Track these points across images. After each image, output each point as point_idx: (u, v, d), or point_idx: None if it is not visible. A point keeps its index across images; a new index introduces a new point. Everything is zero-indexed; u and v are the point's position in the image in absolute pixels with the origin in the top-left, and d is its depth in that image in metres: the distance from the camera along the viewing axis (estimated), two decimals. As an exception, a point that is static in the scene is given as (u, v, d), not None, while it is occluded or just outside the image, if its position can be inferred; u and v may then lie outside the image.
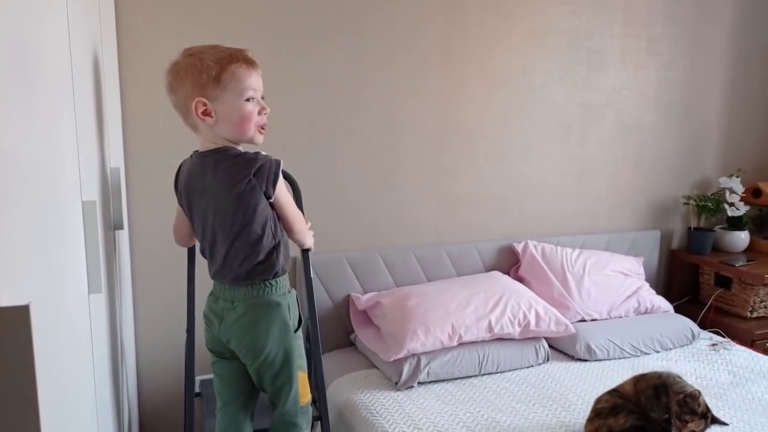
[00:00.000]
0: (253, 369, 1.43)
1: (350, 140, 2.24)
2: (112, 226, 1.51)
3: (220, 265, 1.40)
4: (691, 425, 1.46)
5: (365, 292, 2.27)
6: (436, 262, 2.38)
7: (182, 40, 1.92)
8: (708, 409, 1.50)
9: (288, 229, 1.46)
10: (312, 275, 1.69)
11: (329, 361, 2.14)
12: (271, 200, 1.36)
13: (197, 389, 1.82)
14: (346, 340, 2.28)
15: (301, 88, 2.13)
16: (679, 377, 1.58)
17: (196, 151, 1.40)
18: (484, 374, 2.02)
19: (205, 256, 1.46)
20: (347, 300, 2.26)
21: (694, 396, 1.48)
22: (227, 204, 1.33)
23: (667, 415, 1.50)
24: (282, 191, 1.39)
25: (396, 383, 1.92)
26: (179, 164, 1.45)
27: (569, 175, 2.60)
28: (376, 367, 2.06)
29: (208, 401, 1.74)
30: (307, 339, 1.74)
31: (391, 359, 1.93)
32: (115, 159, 1.71)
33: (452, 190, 2.42)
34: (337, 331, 2.27)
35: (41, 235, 0.66)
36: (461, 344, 2.01)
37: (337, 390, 1.97)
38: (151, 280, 2.04)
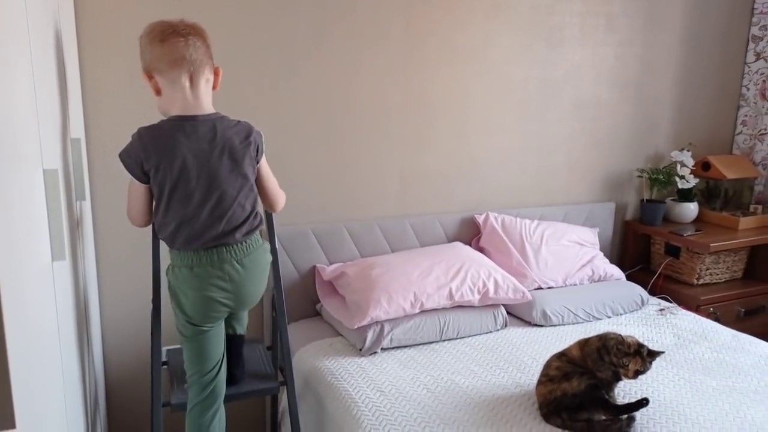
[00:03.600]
0: (244, 309, 1.65)
1: (314, 114, 2.26)
2: (74, 197, 1.51)
3: (222, 228, 1.46)
4: (632, 366, 1.56)
5: (331, 264, 2.32)
6: (400, 233, 2.44)
7: (143, 10, 1.91)
8: (640, 345, 1.60)
9: (268, 188, 1.62)
10: (278, 246, 1.73)
11: (295, 331, 2.20)
12: (259, 164, 1.55)
13: (164, 358, 1.85)
14: (312, 311, 2.34)
15: (264, 62, 2.14)
16: (616, 334, 1.67)
17: (178, 116, 1.42)
18: (445, 340, 2.10)
19: (184, 229, 1.44)
20: (313, 271, 2.31)
21: (620, 340, 1.59)
22: (238, 162, 1.46)
23: (613, 370, 1.60)
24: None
25: (360, 349, 1.99)
26: (139, 135, 1.42)
27: (529, 150, 2.68)
28: (341, 335, 2.12)
29: (174, 370, 1.78)
30: (273, 308, 1.79)
31: (355, 326, 2.00)
32: (76, 130, 1.70)
33: (415, 164, 2.47)
34: (303, 302, 2.32)
35: (1, 203, 0.67)
36: (423, 311, 2.09)
37: (302, 358, 2.03)
38: (115, 251, 2.04)
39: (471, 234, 2.58)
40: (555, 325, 2.25)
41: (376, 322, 2.01)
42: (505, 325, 2.22)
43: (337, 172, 2.35)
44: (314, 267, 2.31)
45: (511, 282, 2.24)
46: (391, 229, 2.43)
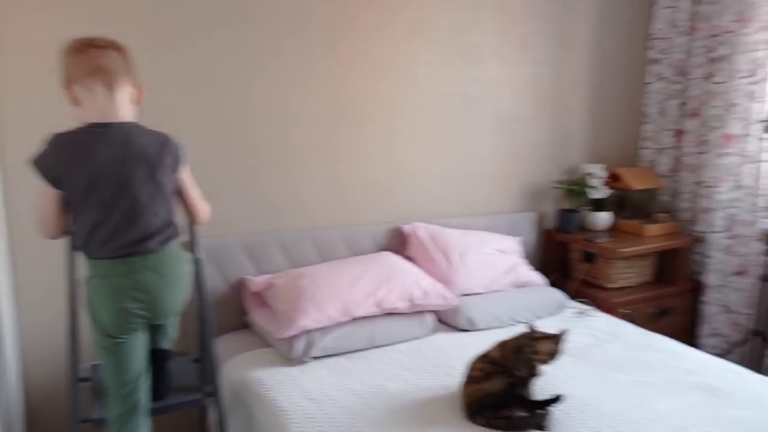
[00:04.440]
0: (163, 320, 1.62)
1: (240, 125, 2.27)
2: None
3: (138, 234, 1.44)
4: (540, 348, 1.65)
5: (261, 275, 2.32)
6: (330, 244, 2.47)
7: (60, 21, 1.87)
8: (545, 333, 1.69)
9: (189, 199, 1.63)
10: (205, 258, 1.73)
11: (224, 343, 2.17)
12: (180, 174, 1.56)
13: (85, 374, 1.78)
14: (241, 323, 2.32)
15: (189, 73, 2.14)
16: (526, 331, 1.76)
17: (91, 123, 1.43)
18: (374, 347, 2.14)
19: (97, 234, 1.43)
20: (242, 283, 2.30)
21: (526, 332, 1.69)
22: (153, 169, 1.46)
23: (529, 366, 1.69)
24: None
25: (290, 359, 1.99)
26: (52, 141, 1.41)
27: (452, 162, 2.79)
28: (270, 345, 2.12)
29: (97, 385, 1.71)
30: (200, 320, 1.77)
31: (285, 336, 2.00)
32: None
33: (343, 175, 2.52)
34: (232, 314, 2.30)
35: None
36: (353, 320, 2.12)
37: (231, 369, 2.01)
38: (33, 263, 1.97)
39: (399, 243, 2.64)
40: (481, 330, 2.33)
41: (306, 331, 2.03)
42: (433, 331, 2.28)
43: (266, 183, 2.36)
44: (242, 279, 2.29)
45: (439, 289, 2.32)
46: (321, 240, 2.46)
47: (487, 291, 2.55)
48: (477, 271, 2.55)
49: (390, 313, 2.21)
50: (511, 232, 2.92)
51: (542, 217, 3.10)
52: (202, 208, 1.69)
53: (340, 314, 2.08)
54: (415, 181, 2.71)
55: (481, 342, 2.20)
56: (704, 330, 2.93)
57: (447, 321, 2.37)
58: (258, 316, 2.20)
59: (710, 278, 2.90)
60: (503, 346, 1.79)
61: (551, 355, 1.67)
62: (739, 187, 2.78)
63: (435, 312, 2.34)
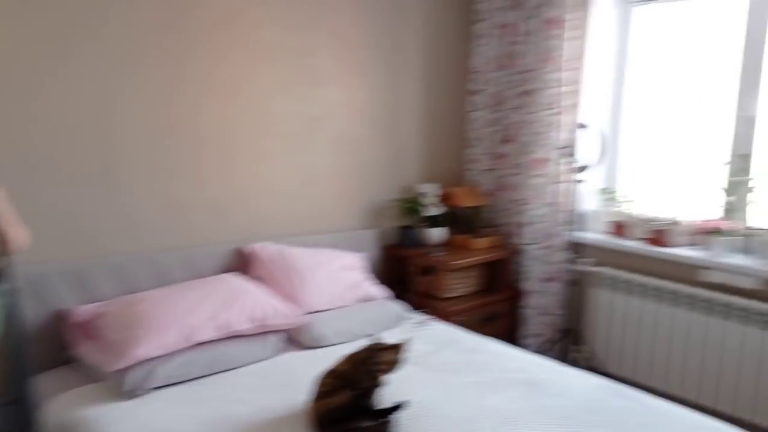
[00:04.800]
0: None
1: (62, 141, 2.08)
2: None
3: None
4: (384, 359, 1.72)
5: (87, 304, 2.11)
6: (167, 268, 2.34)
7: None
8: (388, 343, 1.78)
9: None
10: (21, 288, 1.54)
11: (44, 382, 1.93)
12: None
13: None
14: (64, 358, 2.09)
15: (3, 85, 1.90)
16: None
17: None
18: (220, 372, 2.06)
19: None
20: (63, 314, 2.07)
21: (371, 344, 1.76)
22: None
23: (373, 377, 1.76)
24: None
25: (125, 393, 1.84)
26: None
27: (296, 181, 2.82)
28: (101, 380, 1.94)
29: None
30: (14, 358, 1.56)
31: (117, 368, 1.85)
32: None
33: (180, 194, 2.42)
34: (53, 349, 2.06)
35: None
36: (195, 346, 2.03)
37: (55, 411, 1.79)
38: None
39: (243, 264, 2.59)
40: (328, 346, 2.37)
41: (142, 361, 1.89)
42: (280, 351, 2.27)
43: (93, 204, 2.17)
44: (64, 309, 2.07)
45: (284, 308, 2.31)
46: (157, 264, 2.32)
47: (333, 307, 2.60)
48: (323, 289, 2.59)
49: (235, 336, 2.15)
50: (354, 248, 3.01)
51: (383, 233, 3.25)
52: (17, 233, 1.51)
53: (181, 340, 1.98)
54: (258, 200, 2.68)
55: (329, 358, 2.25)
56: (525, 331, 3.29)
57: (294, 339, 2.37)
58: (85, 349, 2.00)
59: (528, 285, 3.26)
60: (351, 359, 1.84)
61: (393, 365, 1.76)
62: (546, 205, 3.19)
63: (282, 331, 2.33)
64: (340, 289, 2.66)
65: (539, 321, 3.25)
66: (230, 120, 2.53)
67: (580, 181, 2.99)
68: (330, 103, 2.89)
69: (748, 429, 1.89)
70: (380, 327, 2.57)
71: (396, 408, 1.76)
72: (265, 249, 2.60)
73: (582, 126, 2.98)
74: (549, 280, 3.21)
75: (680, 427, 1.83)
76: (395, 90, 3.18)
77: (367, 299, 2.76)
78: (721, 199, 2.82)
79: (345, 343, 2.41)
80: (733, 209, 2.78)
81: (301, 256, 2.66)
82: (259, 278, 2.54)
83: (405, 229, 3.21)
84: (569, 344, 3.15)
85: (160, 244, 2.37)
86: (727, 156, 2.85)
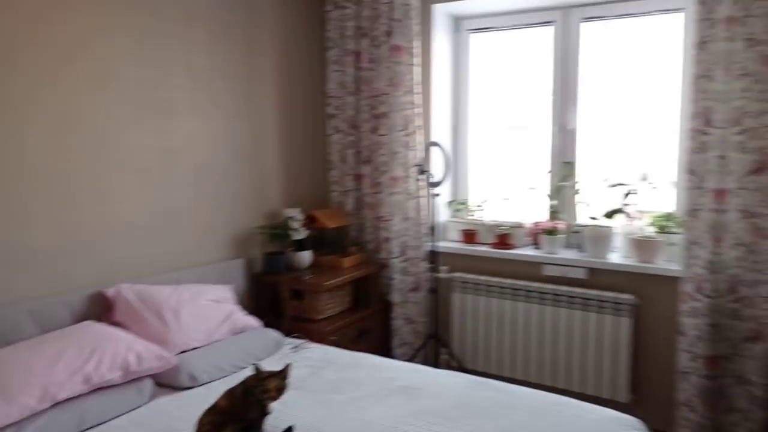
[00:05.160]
0: None
1: None
2: None
3: None
4: (269, 386, 1.73)
5: None
6: (13, 323, 2.13)
7: None
8: (271, 371, 1.79)
9: None
10: None
11: None
12: None
13: None
14: None
15: None
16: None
17: None
18: (92, 427, 1.91)
19: None
20: None
21: (252, 375, 1.78)
22: None
23: (259, 406, 1.76)
24: None
25: (-26, 471, 1.65)
26: None
27: (156, 216, 2.71)
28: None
29: None
30: None
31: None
32: None
33: (25, 240, 2.21)
34: None
35: None
36: (56, 404, 1.86)
37: None
38: None
39: (103, 309, 2.43)
40: (205, 384, 2.30)
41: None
42: (153, 396, 2.16)
43: None
44: None
45: (154, 351, 2.21)
46: (2, 318, 2.09)
47: (206, 343, 2.53)
48: (193, 325, 2.52)
49: (102, 388, 2.01)
50: (222, 280, 2.96)
51: (251, 262, 3.22)
52: None
53: (39, 401, 1.81)
54: (114, 239, 2.54)
55: (207, 396, 2.20)
56: (395, 342, 3.45)
57: (168, 382, 2.27)
58: None
59: (395, 297, 3.44)
60: (230, 393, 1.82)
61: (280, 391, 1.78)
62: (406, 219, 3.40)
63: (154, 375, 2.22)
64: (211, 324, 2.60)
65: (407, 330, 3.43)
66: (73, 158, 2.37)
67: (436, 195, 3.23)
68: (186, 134, 2.83)
69: (585, 401, 2.19)
70: (257, 356, 2.55)
71: (285, 433, 1.78)
72: (126, 291, 2.46)
73: (434, 144, 3.23)
74: (413, 290, 3.41)
75: (540, 406, 2.07)
76: (253, 118, 3.20)
77: (241, 330, 2.72)
78: (548, 202, 3.23)
79: (224, 377, 2.37)
80: (559, 211, 3.19)
81: (167, 294, 2.56)
82: (122, 323, 2.39)
83: (273, 256, 3.22)
84: (437, 348, 3.37)
85: (3, 296, 2.15)
86: (550, 164, 3.28)
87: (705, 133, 2.59)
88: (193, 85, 2.85)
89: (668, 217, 2.94)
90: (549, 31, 3.29)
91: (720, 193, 2.57)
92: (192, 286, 2.71)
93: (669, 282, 2.78)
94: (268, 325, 2.90)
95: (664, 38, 3.04)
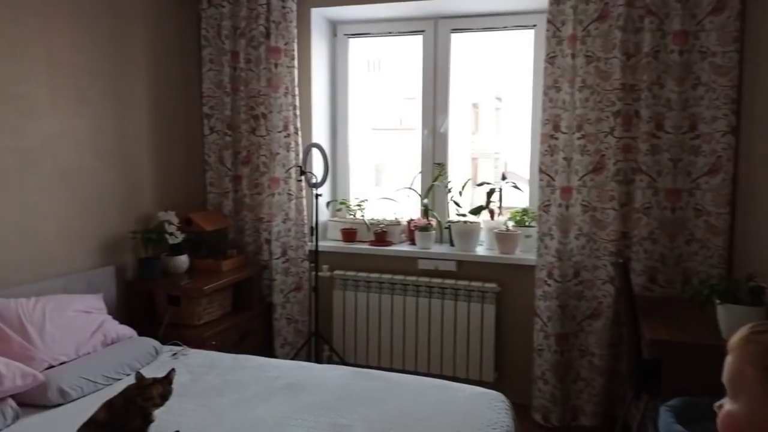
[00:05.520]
0: None
1: None
2: None
3: None
4: (152, 393, 1.72)
5: None
6: None
7: None
8: (153, 378, 1.78)
9: None
10: None
11: None
12: None
13: None
14: None
15: None
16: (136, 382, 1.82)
17: None
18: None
19: None
20: None
21: (133, 383, 1.76)
22: None
23: (141, 415, 1.73)
24: None
25: None
26: None
27: (12, 223, 2.50)
28: None
29: None
30: None
31: None
32: None
33: None
34: None
35: None
36: None
37: None
38: None
39: (-48, 328, 2.20)
40: (76, 399, 2.18)
41: None
42: (17, 418, 2.01)
43: None
44: None
45: (17, 369, 2.05)
46: None
47: (75, 357, 2.39)
48: (61, 339, 2.36)
49: (-44, 413, 1.84)
50: (91, 289, 2.80)
51: (123, 268, 3.07)
52: None
53: None
54: (-36, 250, 2.30)
55: (79, 412, 2.09)
56: (278, 342, 3.48)
57: (34, 401, 2.11)
58: None
59: (276, 298, 3.46)
60: (110, 405, 1.77)
61: (164, 397, 1.76)
62: (287, 220, 3.43)
63: (16, 396, 2.06)
64: (81, 336, 2.46)
65: (289, 330, 3.48)
66: None
67: (316, 196, 3.30)
68: (46, 134, 2.63)
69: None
70: (133, 366, 2.46)
71: (170, 440, 1.76)
72: (-21, 306, 2.25)
73: (314, 145, 3.30)
74: (295, 290, 3.46)
75: (418, 390, 2.23)
76: (123, 117, 3.04)
77: (114, 341, 2.60)
78: (421, 201, 3.46)
79: (98, 391, 2.26)
80: (431, 208, 3.42)
81: (29, 306, 2.37)
82: (-23, 340, 2.19)
83: (148, 261, 3.10)
84: (320, 345, 3.45)
85: None
86: (422, 165, 3.50)
87: (554, 138, 2.93)
88: (56, 81, 2.65)
89: (525, 212, 3.28)
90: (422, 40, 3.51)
91: (566, 190, 2.93)
92: (57, 297, 2.54)
93: (526, 270, 3.10)
94: (143, 333, 2.79)
95: (522, 51, 3.38)
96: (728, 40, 2.67)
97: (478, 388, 2.28)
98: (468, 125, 3.79)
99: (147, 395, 1.72)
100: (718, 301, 2.07)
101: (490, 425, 1.96)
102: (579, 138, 2.87)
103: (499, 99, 3.74)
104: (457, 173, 3.50)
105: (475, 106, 3.93)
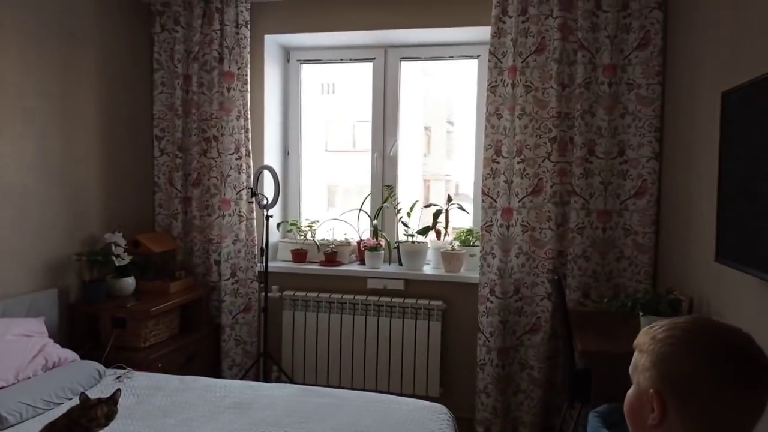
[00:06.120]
0: None
1: None
2: None
3: None
4: (100, 413, 1.72)
5: None
6: None
7: None
8: (99, 399, 1.78)
9: None
10: None
11: None
12: None
13: None
14: None
15: None
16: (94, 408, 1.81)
17: None
18: None
19: None
20: None
21: (77, 405, 1.76)
22: None
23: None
24: None
25: None
26: None
27: (-49, 244, 2.44)
28: None
29: None
30: None
31: None
32: None
33: None
34: None
35: None
36: None
37: None
38: None
39: None
40: (14, 425, 2.13)
41: None
42: (-48, 444, 1.96)
43: None
44: None
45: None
46: None
47: (14, 381, 2.34)
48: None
49: None
50: (32, 313, 2.74)
51: (66, 291, 3.02)
52: None
53: None
54: None
55: (21, 436, 2.05)
56: (225, 364, 3.46)
57: (-30, 427, 2.06)
58: None
59: (224, 319, 3.46)
60: (51, 427, 1.75)
61: (109, 418, 1.76)
62: (237, 241, 3.46)
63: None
64: (21, 361, 2.41)
65: (237, 351, 3.47)
66: None
67: (267, 217, 3.34)
68: (-11, 154, 2.59)
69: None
70: (76, 390, 2.42)
71: (112, 461, 1.76)
72: None
73: (265, 167, 3.35)
74: (244, 310, 3.47)
75: (364, 405, 2.29)
76: (70, 138, 3.02)
77: (55, 365, 2.55)
78: (370, 222, 3.55)
79: (38, 416, 2.21)
80: (380, 229, 3.51)
81: (-35, 329, 2.32)
82: None
83: (93, 283, 3.05)
84: (269, 366, 3.46)
85: None
86: (371, 187, 3.60)
87: (495, 162, 3.09)
88: (0, 101, 2.63)
89: (470, 232, 3.42)
90: (367, 67, 3.64)
91: (507, 211, 3.08)
92: (-5, 321, 2.48)
93: (470, 288, 3.23)
94: (86, 357, 2.75)
95: (471, 79, 3.55)
96: (651, 74, 2.90)
97: (422, 401, 2.35)
98: (420, 148, 3.92)
99: (91, 416, 1.71)
100: (641, 313, 2.23)
101: (433, 436, 2.04)
102: (519, 162, 3.04)
103: (450, 123, 3.89)
104: (409, 195, 3.61)
105: (427, 129, 4.08)
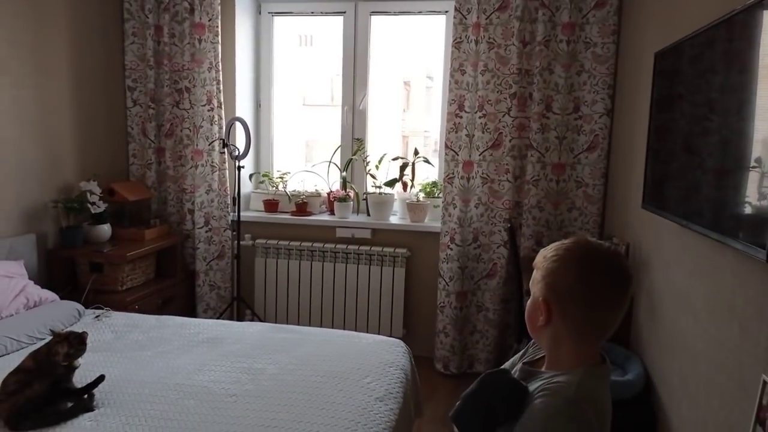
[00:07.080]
0: None
1: None
2: None
3: None
4: (61, 350, 1.85)
5: None
6: None
7: None
8: (70, 333, 1.91)
9: None
10: None
11: None
12: None
13: None
14: None
15: None
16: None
17: None
18: None
19: None
20: None
21: (52, 337, 1.90)
22: None
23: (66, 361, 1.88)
24: None
25: None
26: None
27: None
28: None
29: None
30: None
31: None
32: None
33: None
34: None
35: None
36: None
37: None
38: None
39: None
40: (1, 356, 2.29)
41: None
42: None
43: None
44: None
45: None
46: None
47: (-1, 318, 2.48)
48: (-18, 300, 2.44)
49: None
50: (11, 256, 2.85)
51: (44, 237, 3.13)
52: None
53: None
54: None
55: (4, 367, 2.19)
56: (200, 308, 3.63)
57: (-43, 357, 2.21)
58: None
59: (199, 266, 3.61)
60: (35, 354, 1.91)
61: (69, 356, 1.88)
62: (210, 191, 3.57)
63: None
64: (3, 299, 2.54)
65: (212, 296, 3.64)
66: None
67: (240, 168, 3.45)
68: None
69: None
70: (58, 327, 2.54)
71: (94, 383, 1.92)
72: None
73: (237, 119, 3.43)
74: (217, 257, 3.62)
75: (326, 339, 2.49)
76: (42, 88, 3.07)
77: (37, 304, 2.69)
78: (340, 173, 3.69)
79: (22, 349, 2.35)
80: (349, 181, 3.66)
81: (-52, 269, 2.43)
82: None
83: (70, 230, 3.17)
84: (242, 309, 3.64)
85: None
86: (341, 140, 3.72)
87: (458, 116, 3.23)
88: (-30, 50, 2.67)
89: (434, 184, 3.59)
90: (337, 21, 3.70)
91: (468, 164, 3.24)
92: (-24, 262, 2.60)
93: (433, 236, 3.42)
94: (65, 299, 2.89)
95: (435, 36, 3.64)
96: (607, 33, 3.04)
97: (381, 336, 2.56)
98: (399, 103, 4.01)
99: (55, 352, 1.86)
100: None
101: (388, 365, 2.25)
102: (480, 117, 3.18)
103: (430, 78, 3.96)
104: (387, 150, 3.70)
105: (406, 84, 4.15)
